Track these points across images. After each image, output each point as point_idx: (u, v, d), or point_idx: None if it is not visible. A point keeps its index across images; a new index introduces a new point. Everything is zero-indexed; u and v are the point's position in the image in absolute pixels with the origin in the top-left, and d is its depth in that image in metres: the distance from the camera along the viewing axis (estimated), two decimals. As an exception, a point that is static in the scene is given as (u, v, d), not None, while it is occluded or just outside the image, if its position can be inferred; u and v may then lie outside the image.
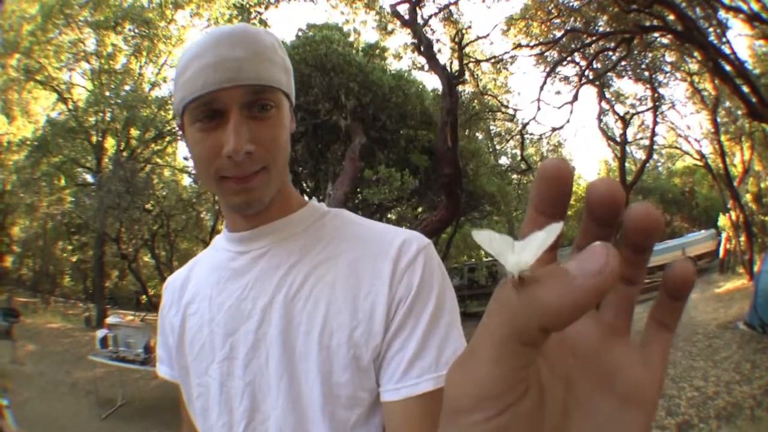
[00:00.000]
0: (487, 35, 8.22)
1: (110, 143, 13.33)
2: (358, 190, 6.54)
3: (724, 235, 10.56)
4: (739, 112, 10.76)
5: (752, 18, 7.71)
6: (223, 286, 0.62)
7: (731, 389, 4.18)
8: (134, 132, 12.82)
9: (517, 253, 0.19)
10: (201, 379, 0.62)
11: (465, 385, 0.19)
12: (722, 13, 8.07)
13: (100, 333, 5.74)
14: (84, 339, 9.55)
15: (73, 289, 21.28)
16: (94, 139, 13.06)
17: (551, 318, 0.17)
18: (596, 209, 0.21)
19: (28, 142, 12.94)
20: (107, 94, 12.49)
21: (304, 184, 7.22)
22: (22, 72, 12.90)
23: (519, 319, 0.18)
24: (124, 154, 12.38)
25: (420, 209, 6.75)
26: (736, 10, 7.59)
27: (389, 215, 6.81)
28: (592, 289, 0.17)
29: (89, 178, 13.69)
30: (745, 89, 6.86)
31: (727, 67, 7.06)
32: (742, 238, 9.67)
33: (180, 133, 0.63)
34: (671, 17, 7.43)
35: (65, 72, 13.50)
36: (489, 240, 0.20)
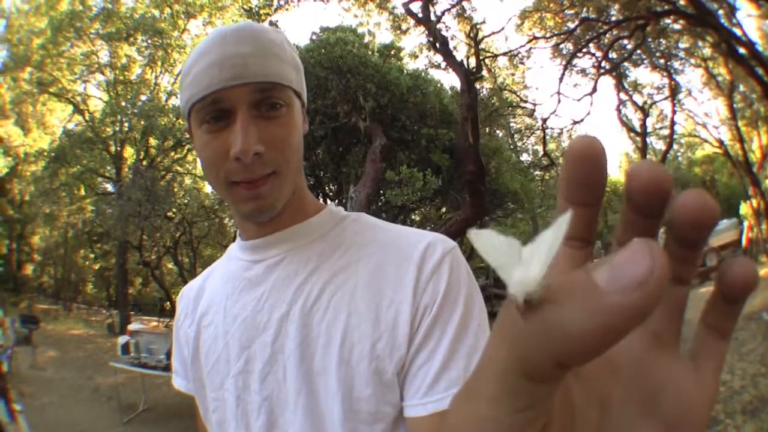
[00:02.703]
0: (502, 29, 8.22)
1: (129, 152, 13.48)
2: (381, 192, 6.58)
3: (746, 223, 10.42)
4: (754, 96, 10.62)
5: (759, -4, 7.50)
6: (238, 297, 0.59)
7: (757, 382, 4.12)
8: (153, 141, 12.95)
9: (524, 264, 0.14)
10: (217, 393, 0.60)
11: (463, 426, 0.16)
12: (731, -6, 7.90)
13: (121, 339, 5.83)
14: (106, 345, 9.62)
15: (96, 296, 21.66)
16: (112, 149, 13.20)
17: (572, 350, 0.13)
18: (638, 197, 0.18)
19: (45, 153, 13.13)
20: (123, 104, 12.61)
21: (327, 188, 7.28)
22: (35, 85, 13.09)
23: (528, 352, 0.14)
24: (144, 163, 12.51)
25: (444, 209, 6.77)
26: (743, -10, 7.38)
27: (413, 216, 6.83)
28: (631, 308, 0.12)
29: (109, 187, 13.86)
30: (760, 71, 6.75)
31: (741, 50, 6.97)
32: (764, 226, 9.55)
33: (188, 137, 0.61)
34: (681, 1, 7.35)
35: (80, 84, 13.74)
36: (490, 245, 0.15)
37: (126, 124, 12.79)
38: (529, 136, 9.02)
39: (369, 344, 0.52)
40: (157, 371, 5.13)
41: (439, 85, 7.31)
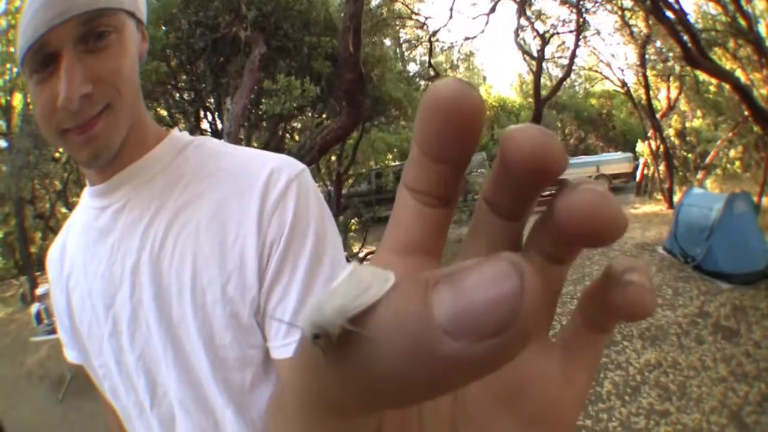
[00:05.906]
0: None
1: (18, 99, 12.35)
2: (260, 102, 6.18)
3: (642, 160, 10.81)
4: (671, 54, 10.88)
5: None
6: (94, 250, 0.55)
7: (654, 312, 4.15)
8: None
9: (329, 293, 0.11)
10: (100, 360, 0.57)
11: None
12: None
13: (33, 308, 5.31)
14: (25, 319, 8.42)
15: (5, 268, 19.66)
16: (2, 100, 12.08)
17: (387, 401, 0.10)
18: (517, 171, 0.13)
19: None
20: (12, 50, 11.48)
21: (206, 102, 6.82)
22: None
23: (331, 396, 0.11)
24: (31, 107, 11.35)
25: (324, 116, 6.51)
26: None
27: (294, 123, 6.53)
28: (476, 363, 0.09)
29: (2, 143, 12.70)
30: (686, 37, 6.58)
31: (669, 13, 6.82)
32: (662, 167, 9.88)
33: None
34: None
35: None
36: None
37: (15, 70, 11.67)
38: (416, 47, 8.78)
39: (219, 287, 0.49)
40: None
41: (326, -7, 6.93)
